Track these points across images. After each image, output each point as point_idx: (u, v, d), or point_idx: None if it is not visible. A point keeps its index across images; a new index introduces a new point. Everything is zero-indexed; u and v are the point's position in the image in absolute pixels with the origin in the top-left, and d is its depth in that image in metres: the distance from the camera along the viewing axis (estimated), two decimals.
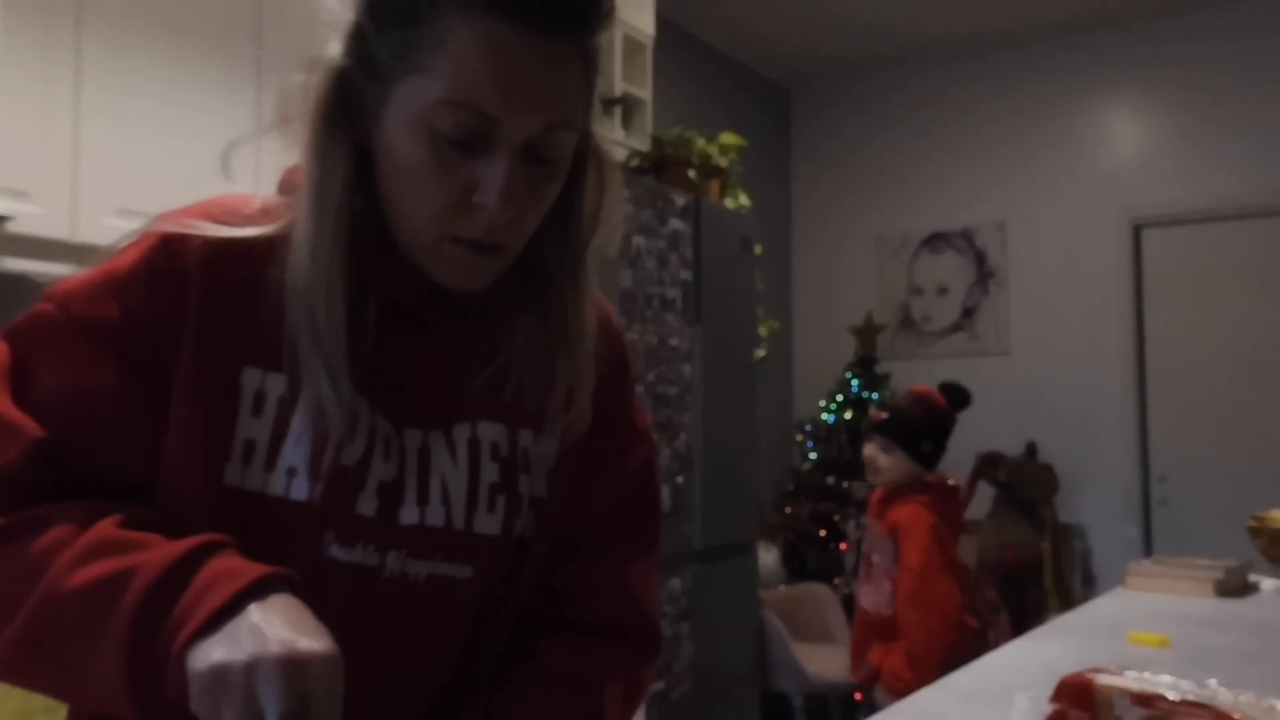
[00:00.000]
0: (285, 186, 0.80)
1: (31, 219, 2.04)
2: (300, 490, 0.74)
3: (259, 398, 0.75)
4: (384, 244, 0.76)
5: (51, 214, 2.08)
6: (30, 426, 0.71)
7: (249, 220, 0.76)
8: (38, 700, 0.73)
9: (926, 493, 2.54)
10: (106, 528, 0.68)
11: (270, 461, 0.74)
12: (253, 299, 0.75)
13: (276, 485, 0.74)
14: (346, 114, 0.73)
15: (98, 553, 0.66)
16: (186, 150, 2.27)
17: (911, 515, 2.49)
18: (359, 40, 0.72)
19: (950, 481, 2.66)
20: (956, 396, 2.63)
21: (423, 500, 0.78)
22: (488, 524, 0.80)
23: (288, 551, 0.73)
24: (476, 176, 0.71)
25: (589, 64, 0.74)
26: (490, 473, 0.80)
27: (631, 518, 0.91)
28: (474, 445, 0.80)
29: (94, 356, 0.73)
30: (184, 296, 0.74)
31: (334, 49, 0.73)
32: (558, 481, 0.85)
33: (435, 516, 0.78)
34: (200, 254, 0.75)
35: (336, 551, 0.75)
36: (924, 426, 2.57)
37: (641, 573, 0.90)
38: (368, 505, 0.76)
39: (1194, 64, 4.70)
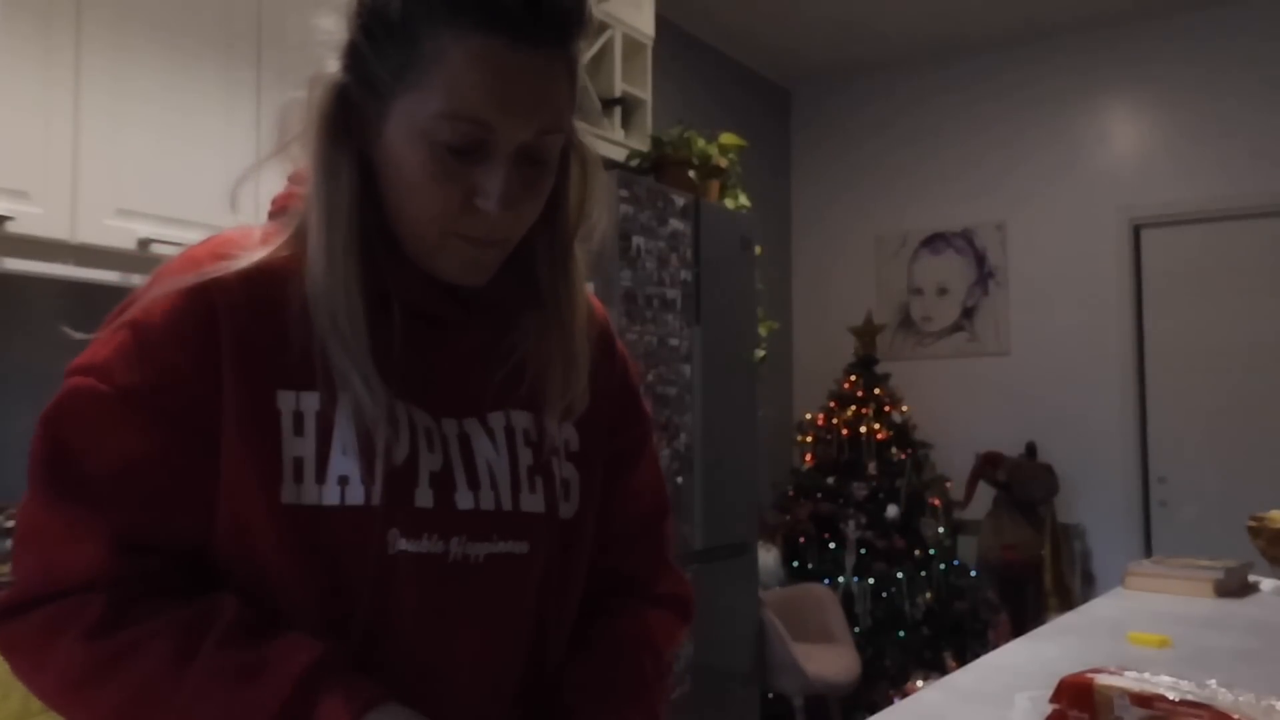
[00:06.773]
0: (278, 212, 0.85)
1: (31, 219, 2.04)
2: (356, 495, 0.78)
3: (298, 417, 0.78)
4: (395, 252, 0.81)
5: (51, 214, 2.08)
6: (101, 522, 0.74)
7: (255, 249, 0.81)
8: (37, 701, 0.75)
9: None
10: (203, 667, 0.71)
11: (321, 474, 0.78)
12: (278, 322, 0.78)
13: (331, 495, 0.77)
14: (347, 128, 0.78)
15: (201, 696, 0.71)
16: (186, 151, 2.28)
17: None
18: (356, 59, 0.77)
19: None
20: None
21: (473, 485, 0.83)
22: (533, 503, 0.86)
23: (354, 555, 0.77)
24: (476, 181, 0.76)
25: (573, 68, 0.79)
26: (526, 456, 0.86)
27: (658, 497, 1.01)
28: (509, 432, 0.86)
29: (145, 426, 0.76)
30: (214, 340, 0.77)
31: (333, 66, 0.77)
32: (586, 467, 0.91)
33: (487, 500, 0.83)
34: (221, 294, 0.78)
35: (403, 545, 0.79)
36: None
37: (670, 542, 1.02)
38: (424, 497, 0.80)
39: (1194, 64, 4.70)
